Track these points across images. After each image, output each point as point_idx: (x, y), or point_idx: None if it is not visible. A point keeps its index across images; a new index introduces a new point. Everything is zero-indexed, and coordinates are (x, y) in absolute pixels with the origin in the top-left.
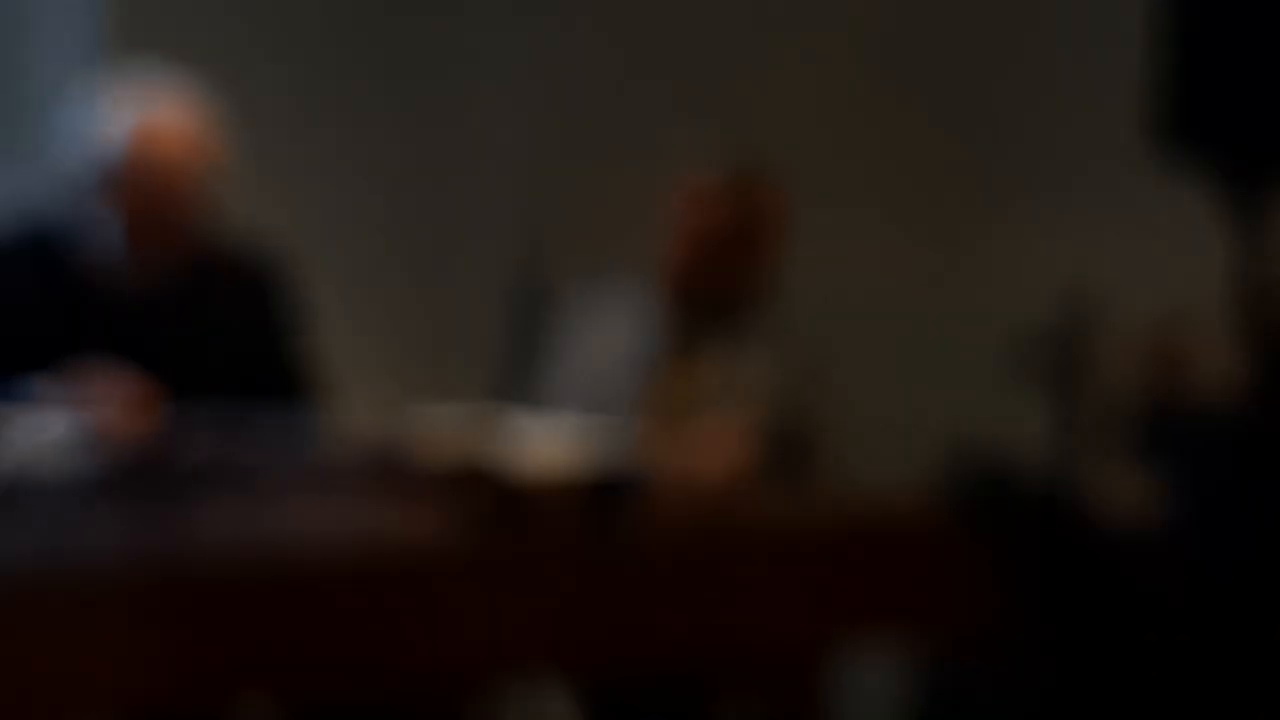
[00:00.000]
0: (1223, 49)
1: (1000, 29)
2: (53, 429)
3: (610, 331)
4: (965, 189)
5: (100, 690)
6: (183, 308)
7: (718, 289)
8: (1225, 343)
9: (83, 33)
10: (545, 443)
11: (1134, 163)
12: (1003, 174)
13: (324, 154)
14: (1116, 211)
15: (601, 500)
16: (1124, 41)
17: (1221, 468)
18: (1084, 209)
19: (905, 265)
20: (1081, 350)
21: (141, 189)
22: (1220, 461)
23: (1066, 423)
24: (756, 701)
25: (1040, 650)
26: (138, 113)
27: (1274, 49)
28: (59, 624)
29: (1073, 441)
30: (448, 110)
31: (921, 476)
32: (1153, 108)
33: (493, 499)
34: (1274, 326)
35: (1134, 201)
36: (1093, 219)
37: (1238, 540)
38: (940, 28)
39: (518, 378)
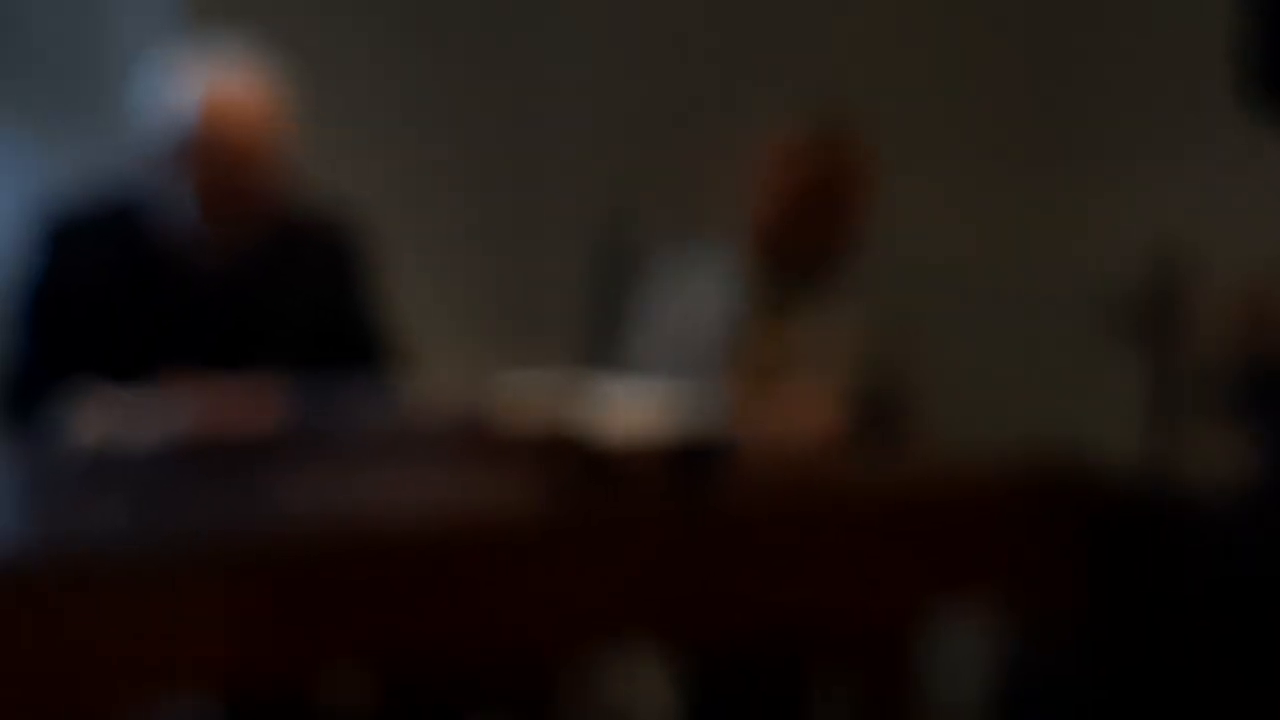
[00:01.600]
0: None
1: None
2: (140, 403)
3: (697, 293)
4: (1055, 143)
5: (189, 663)
6: (260, 277)
7: (804, 247)
8: None
9: (164, 2)
10: (632, 407)
11: (1227, 117)
12: (1093, 128)
13: (407, 118)
14: (1210, 167)
15: (689, 465)
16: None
17: None
18: (1177, 164)
19: (995, 221)
20: (1174, 308)
21: (212, 159)
22: None
23: (1158, 382)
24: (847, 666)
25: (1129, 620)
26: (208, 83)
27: None
28: (147, 598)
29: (1164, 401)
30: (529, 69)
31: (1011, 437)
32: (1244, 61)
33: (580, 465)
34: None
35: (1228, 157)
36: (1186, 174)
37: None
38: None
39: (603, 341)
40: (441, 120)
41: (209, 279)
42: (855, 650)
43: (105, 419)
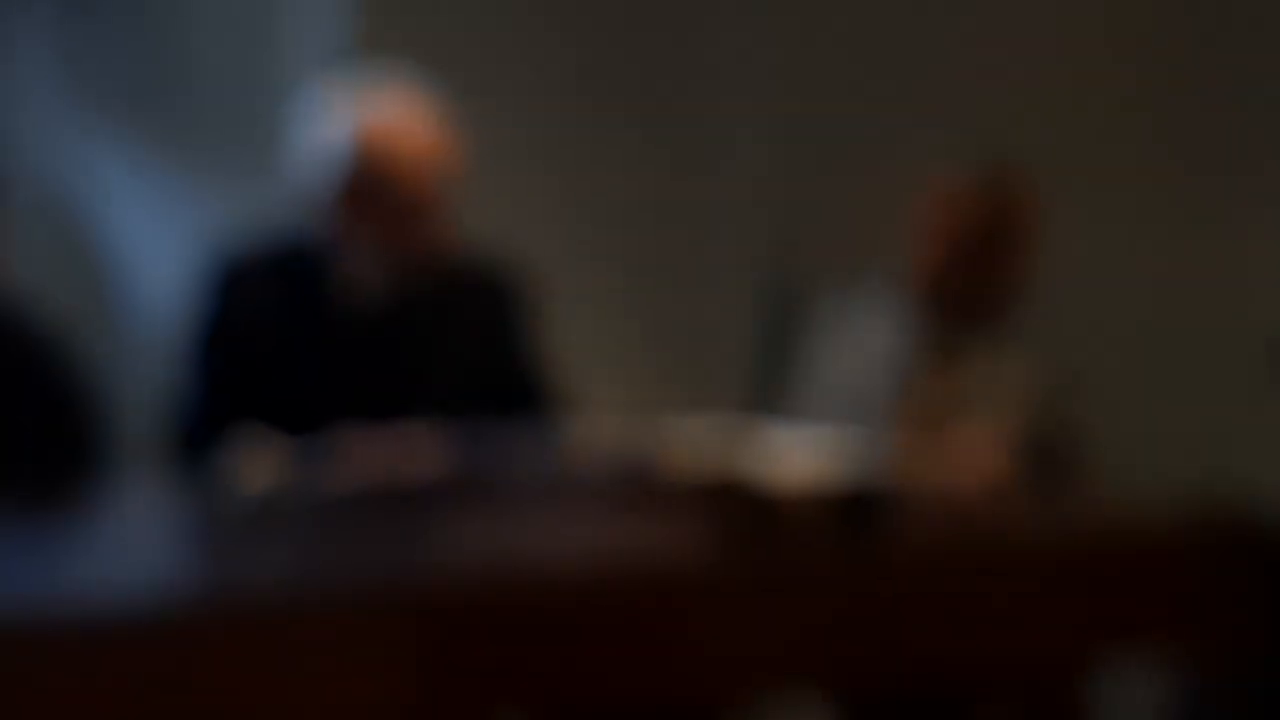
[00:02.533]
0: None
1: (1255, 28)
2: (306, 451)
3: (863, 337)
4: (1225, 188)
5: (350, 709)
6: (426, 320)
7: (971, 291)
8: None
9: (333, 42)
10: (799, 454)
11: None
12: (1263, 173)
13: (570, 161)
14: None
15: (857, 513)
16: None
17: None
18: None
19: (1165, 266)
20: None
21: (375, 196)
22: None
23: None
24: (1016, 716)
25: None
26: (372, 119)
27: None
28: (308, 644)
29: None
30: (692, 114)
31: (1182, 484)
32: None
33: (746, 512)
34: None
35: None
36: None
37: None
38: (1194, 22)
39: (768, 386)
40: (605, 163)
41: (375, 321)
42: (1023, 697)
43: (272, 466)
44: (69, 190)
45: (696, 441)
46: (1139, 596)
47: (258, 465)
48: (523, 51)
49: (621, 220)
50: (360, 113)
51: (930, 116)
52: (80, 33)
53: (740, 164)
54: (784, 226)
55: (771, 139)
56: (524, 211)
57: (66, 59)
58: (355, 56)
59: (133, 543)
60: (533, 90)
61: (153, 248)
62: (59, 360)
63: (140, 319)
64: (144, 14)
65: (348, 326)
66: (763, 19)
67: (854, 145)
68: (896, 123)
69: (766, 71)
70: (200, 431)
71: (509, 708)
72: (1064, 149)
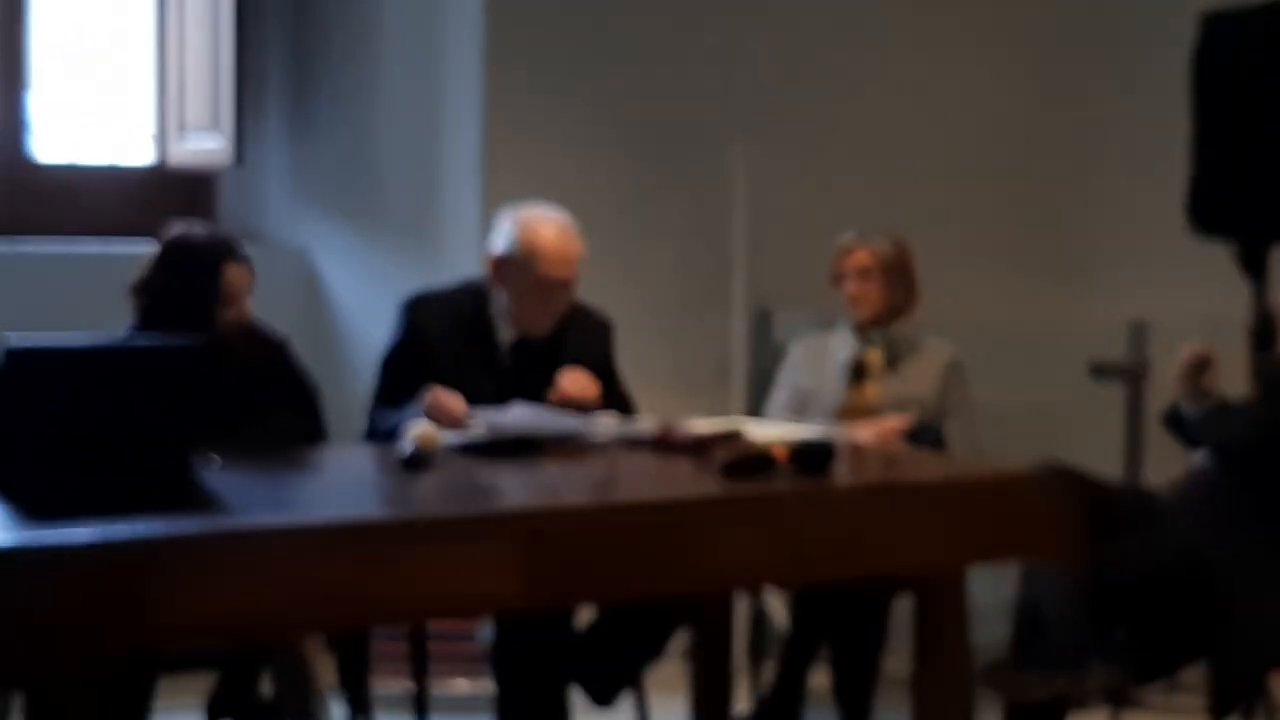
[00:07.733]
0: (1234, 158)
1: (1087, 154)
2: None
3: (816, 355)
4: (1067, 251)
5: (476, 598)
6: (554, 348)
7: (874, 318)
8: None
9: (473, 166)
10: (772, 427)
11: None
12: (1088, 237)
13: (633, 243)
14: (1169, 272)
15: (809, 456)
16: (1172, 155)
17: None
18: (1147, 270)
19: (1019, 304)
20: (1144, 366)
21: (536, 284)
22: None
23: (1132, 416)
24: (918, 604)
25: (1111, 573)
26: (533, 221)
27: (1268, 158)
28: (448, 554)
29: (1137, 428)
30: (710, 208)
31: (1025, 455)
32: (1190, 203)
33: (735, 453)
34: None
35: (1186, 258)
36: (1150, 278)
37: None
38: (1038, 143)
39: (756, 396)
40: (648, 237)
41: (518, 348)
42: (922, 590)
43: (432, 433)
44: (303, 262)
45: (709, 422)
46: (1000, 522)
47: (413, 429)
48: (595, 167)
49: (657, 280)
50: (529, 223)
51: (865, 207)
52: (306, 151)
53: (738, 235)
54: (767, 281)
55: (762, 218)
56: (596, 275)
57: (296, 169)
58: (488, 183)
59: (340, 482)
60: (596, 196)
61: (358, 301)
62: (298, 369)
63: (349, 347)
64: (350, 138)
65: (502, 352)
66: (760, 143)
67: (815, 223)
68: (836, 209)
69: (758, 173)
70: (388, 418)
71: (590, 597)
72: (950, 222)
